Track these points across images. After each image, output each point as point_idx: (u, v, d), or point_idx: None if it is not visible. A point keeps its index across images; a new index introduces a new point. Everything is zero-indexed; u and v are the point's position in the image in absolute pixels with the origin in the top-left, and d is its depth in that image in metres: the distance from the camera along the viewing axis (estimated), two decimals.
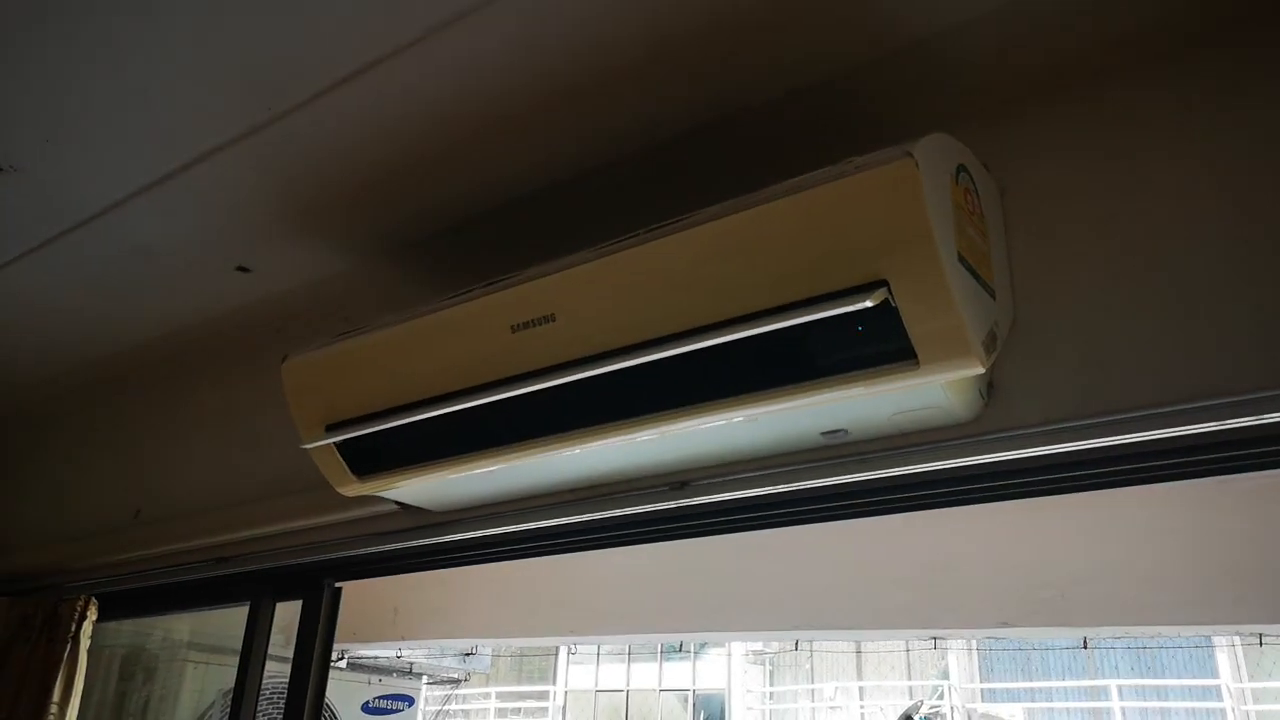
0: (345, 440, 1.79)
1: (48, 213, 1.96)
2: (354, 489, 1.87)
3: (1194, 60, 1.41)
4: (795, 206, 1.30)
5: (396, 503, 2.04)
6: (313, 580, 2.43)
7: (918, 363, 1.27)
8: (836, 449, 1.55)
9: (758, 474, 1.63)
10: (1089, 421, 1.34)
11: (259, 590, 2.53)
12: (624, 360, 1.43)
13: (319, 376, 1.82)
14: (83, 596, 2.67)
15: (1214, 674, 13.19)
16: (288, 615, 2.59)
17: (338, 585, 2.45)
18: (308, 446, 1.81)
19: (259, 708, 2.50)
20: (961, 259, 1.28)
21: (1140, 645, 13.47)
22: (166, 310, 2.33)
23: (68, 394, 2.93)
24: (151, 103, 1.63)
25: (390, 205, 1.94)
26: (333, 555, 2.32)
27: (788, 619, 3.41)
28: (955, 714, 14.31)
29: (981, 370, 1.27)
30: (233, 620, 2.79)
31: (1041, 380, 1.39)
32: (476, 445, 1.69)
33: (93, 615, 2.67)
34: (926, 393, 1.38)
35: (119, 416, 2.91)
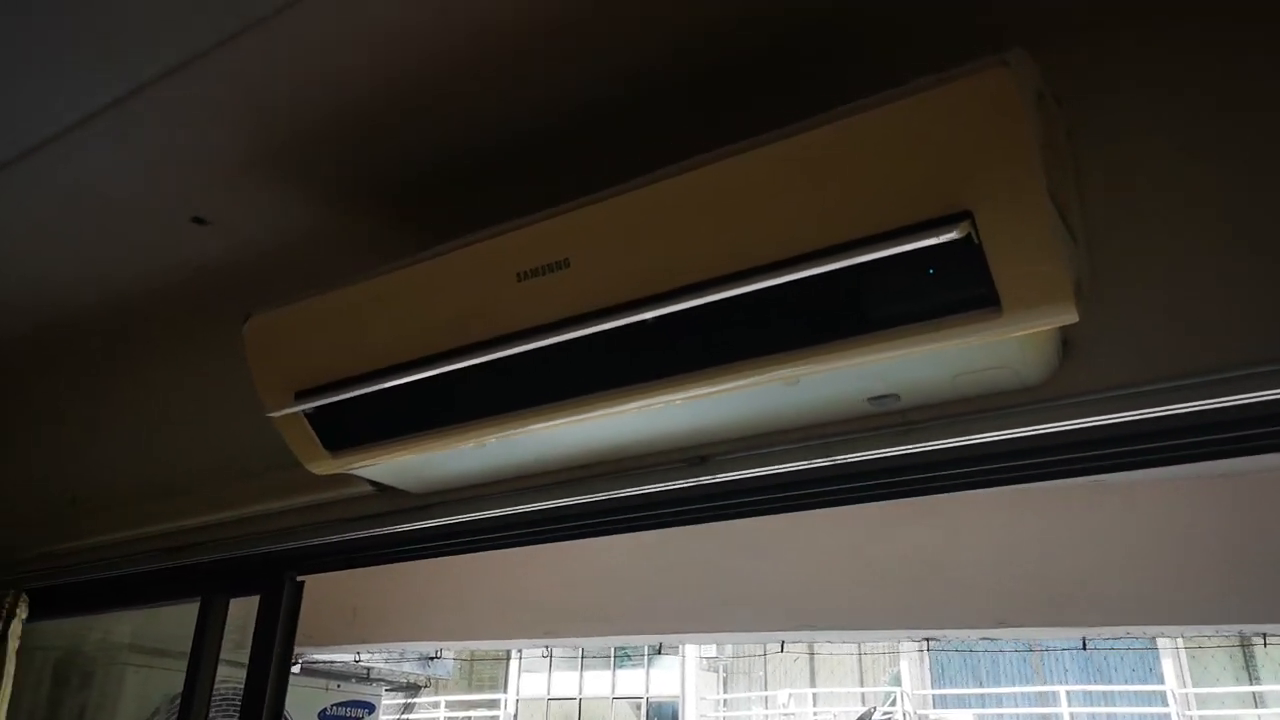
0: (317, 409, 1.59)
1: None
2: (326, 466, 1.66)
3: None
4: (856, 128, 1.14)
5: (372, 483, 1.83)
6: (272, 573, 2.20)
7: (1000, 310, 1.11)
8: (884, 417, 1.38)
9: (790, 447, 1.45)
10: (1182, 383, 1.18)
11: (211, 585, 2.30)
12: (651, 310, 1.25)
13: (288, 336, 1.61)
14: (11, 592, 2.47)
15: (1159, 679, 13.43)
16: (240, 614, 2.37)
17: (300, 579, 2.22)
18: (274, 415, 1.60)
19: (210, 717, 2.26)
20: (1050, 193, 1.11)
21: (1090, 647, 13.64)
22: (110, 268, 2.07)
23: None
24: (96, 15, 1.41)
25: (377, 146, 1.71)
26: (295, 544, 2.10)
27: (775, 620, 3.24)
28: None
29: (1076, 319, 1.10)
30: (180, 619, 2.54)
31: (1126, 337, 1.23)
32: (472, 414, 1.49)
33: (22, 613, 2.48)
34: (998, 349, 1.21)
35: (51, 391, 2.64)
